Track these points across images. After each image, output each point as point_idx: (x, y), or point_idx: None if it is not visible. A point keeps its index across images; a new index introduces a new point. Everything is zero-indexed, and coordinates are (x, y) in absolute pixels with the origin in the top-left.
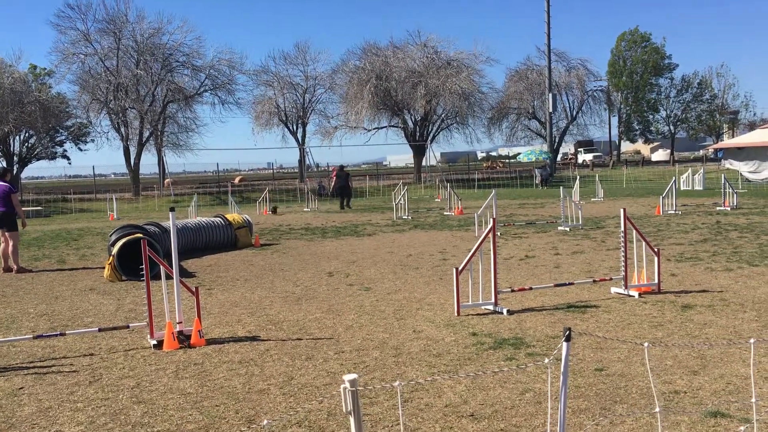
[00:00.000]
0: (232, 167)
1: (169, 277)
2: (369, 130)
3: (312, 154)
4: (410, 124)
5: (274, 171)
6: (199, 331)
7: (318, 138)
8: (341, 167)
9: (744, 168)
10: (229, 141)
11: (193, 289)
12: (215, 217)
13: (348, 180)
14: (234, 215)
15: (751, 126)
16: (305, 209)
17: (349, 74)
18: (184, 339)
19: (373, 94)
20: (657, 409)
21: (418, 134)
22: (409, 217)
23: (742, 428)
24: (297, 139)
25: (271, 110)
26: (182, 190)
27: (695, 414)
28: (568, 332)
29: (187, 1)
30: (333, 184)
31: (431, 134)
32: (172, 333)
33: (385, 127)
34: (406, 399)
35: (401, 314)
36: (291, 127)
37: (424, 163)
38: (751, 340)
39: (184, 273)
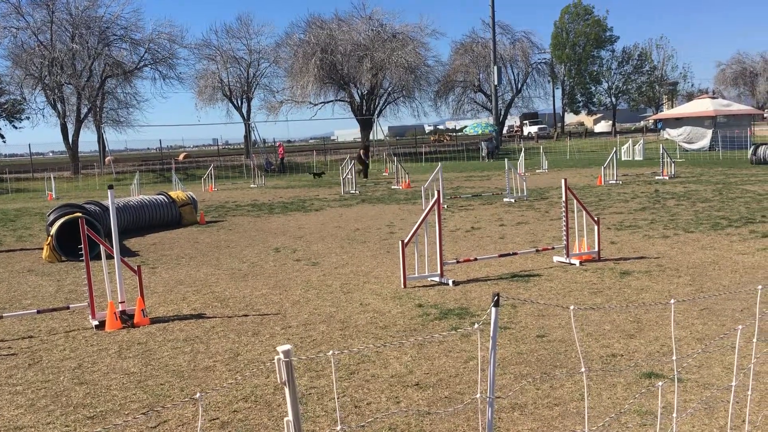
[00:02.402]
0: (176, 144)
1: (110, 256)
2: (315, 105)
3: (258, 129)
4: (357, 98)
5: (220, 147)
6: (142, 310)
7: (263, 113)
8: (365, 146)
9: (678, 137)
10: (172, 117)
11: (135, 268)
12: (158, 194)
13: (365, 154)
14: (178, 192)
15: (689, 97)
16: (252, 185)
17: (294, 48)
18: (127, 319)
19: (318, 67)
20: (583, 371)
21: (365, 108)
22: (357, 192)
23: (660, 383)
24: (242, 115)
25: (214, 85)
26: (124, 168)
27: (631, 375)
28: (496, 298)
29: None
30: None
31: (378, 108)
32: (115, 313)
33: (332, 101)
34: (353, 371)
35: (348, 288)
36: (236, 102)
37: (371, 137)
38: (672, 301)
39: (126, 252)
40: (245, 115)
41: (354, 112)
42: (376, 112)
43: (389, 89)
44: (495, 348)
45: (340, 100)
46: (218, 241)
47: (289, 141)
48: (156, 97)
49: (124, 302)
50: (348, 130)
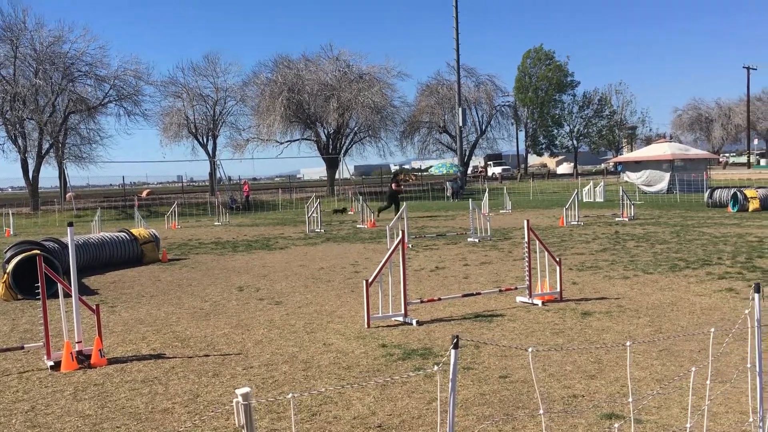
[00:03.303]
0: (140, 180)
1: (67, 295)
2: (281, 143)
3: (223, 166)
4: (323, 137)
5: (184, 184)
6: (99, 350)
7: (229, 151)
8: (395, 173)
9: (638, 180)
10: (136, 153)
11: (94, 307)
12: (120, 232)
13: (392, 186)
14: (140, 230)
15: (648, 140)
16: (216, 223)
17: (261, 86)
18: (83, 359)
19: (285, 106)
20: (542, 413)
21: (331, 147)
22: (322, 230)
23: (616, 425)
24: (207, 152)
25: (180, 122)
26: (85, 204)
27: (591, 416)
28: (456, 340)
29: (91, 9)
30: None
31: (344, 147)
32: (71, 353)
33: (298, 140)
34: (315, 412)
35: (312, 327)
36: (201, 140)
37: (337, 176)
38: (628, 343)
39: (85, 290)
40: (210, 153)
41: (320, 151)
42: (343, 152)
43: (355, 129)
44: (454, 391)
45: (306, 139)
46: (180, 279)
47: (254, 179)
48: (120, 134)
49: (81, 342)
50: (314, 169)
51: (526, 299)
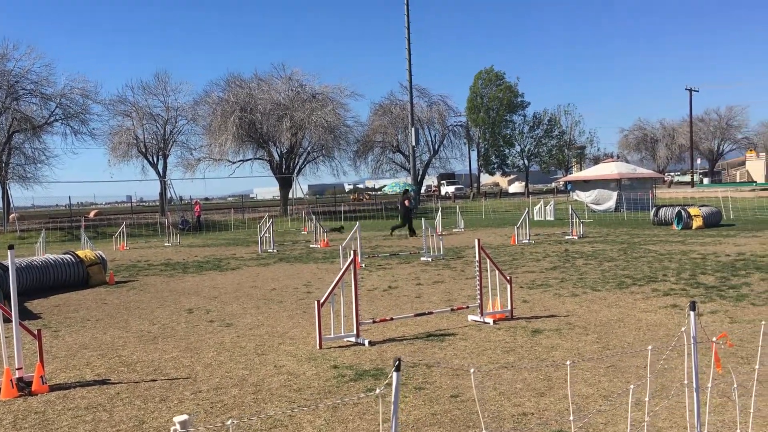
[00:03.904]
0: (87, 201)
1: (7, 319)
2: (234, 163)
3: (174, 186)
4: (276, 156)
5: (134, 204)
6: (41, 376)
7: (180, 170)
8: (405, 191)
9: (587, 199)
10: (83, 173)
11: (35, 332)
12: (65, 254)
13: (404, 202)
14: (86, 252)
15: (596, 160)
16: (166, 244)
17: (213, 106)
18: (24, 386)
19: (237, 126)
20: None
21: (284, 167)
22: (275, 251)
23: None
24: (158, 171)
25: (129, 141)
26: (30, 226)
27: None
28: (398, 363)
29: (37, 27)
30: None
31: (297, 167)
32: (11, 380)
33: (251, 159)
34: None
35: (263, 350)
36: (151, 159)
37: (290, 196)
38: (568, 362)
39: (27, 315)
40: (161, 172)
41: (273, 171)
42: (296, 171)
43: (309, 148)
44: (396, 413)
45: (259, 159)
46: (127, 302)
47: (206, 199)
48: (66, 153)
49: (21, 368)
50: (267, 188)
51: (477, 318)
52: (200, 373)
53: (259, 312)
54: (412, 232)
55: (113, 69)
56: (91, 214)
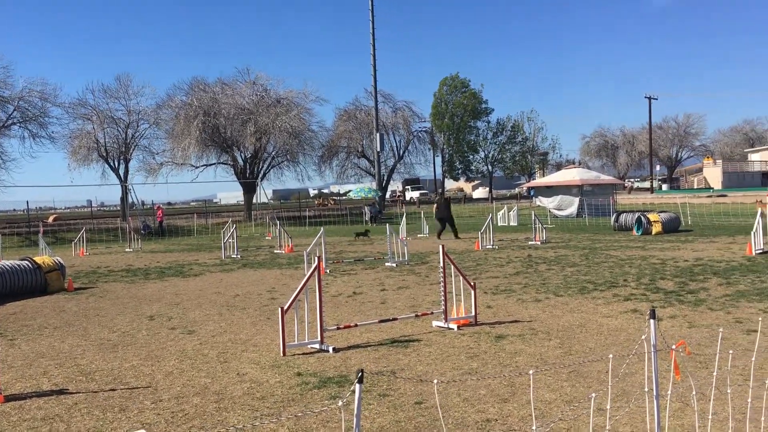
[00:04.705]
0: (46, 205)
1: None
2: (197, 167)
3: (135, 191)
4: (240, 161)
5: (94, 209)
6: None
7: (142, 175)
8: (441, 193)
9: (549, 204)
10: (42, 177)
11: None
12: (22, 260)
13: (448, 207)
14: (44, 258)
15: (558, 166)
16: (127, 249)
17: (176, 110)
18: None
19: (201, 130)
20: None
21: (248, 171)
22: (239, 256)
23: None
24: (119, 176)
25: (89, 145)
26: None
27: None
28: (360, 374)
29: None
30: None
31: (262, 171)
32: None
33: (215, 164)
34: None
35: (225, 357)
36: (112, 163)
37: (254, 201)
38: (531, 371)
39: None
40: (122, 177)
41: (237, 176)
42: (260, 176)
43: (273, 153)
44: (359, 425)
45: (222, 163)
46: (87, 309)
47: (169, 203)
48: (24, 157)
49: None
50: (231, 193)
51: (442, 324)
52: (161, 382)
53: (222, 319)
54: (441, 232)
55: (73, 72)
56: (50, 219)
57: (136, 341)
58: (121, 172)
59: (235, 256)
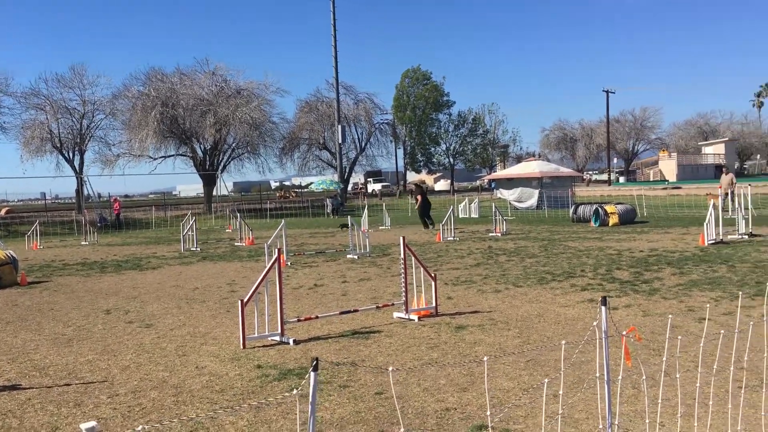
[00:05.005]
0: None
1: None
2: (155, 159)
3: (91, 183)
4: (200, 152)
5: (48, 202)
6: None
7: (98, 166)
8: (419, 186)
9: (510, 197)
10: None
11: None
12: None
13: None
14: None
15: (519, 159)
16: (83, 243)
17: (133, 100)
18: None
19: (159, 121)
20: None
21: (208, 163)
22: (198, 249)
23: None
24: (74, 168)
25: (43, 136)
26: None
27: (463, 429)
28: (315, 362)
29: None
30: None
31: (222, 163)
32: None
33: (173, 155)
34: None
35: (184, 350)
36: (67, 155)
37: (215, 193)
38: (485, 358)
39: None
40: (77, 169)
41: (197, 167)
42: (220, 168)
43: (233, 145)
44: (314, 414)
45: (181, 155)
46: (40, 303)
47: (126, 196)
48: None
49: None
50: (191, 185)
51: (402, 315)
52: (117, 376)
53: (181, 312)
54: (427, 224)
55: (25, 61)
56: (2, 212)
57: (92, 335)
58: (76, 163)
59: (194, 249)
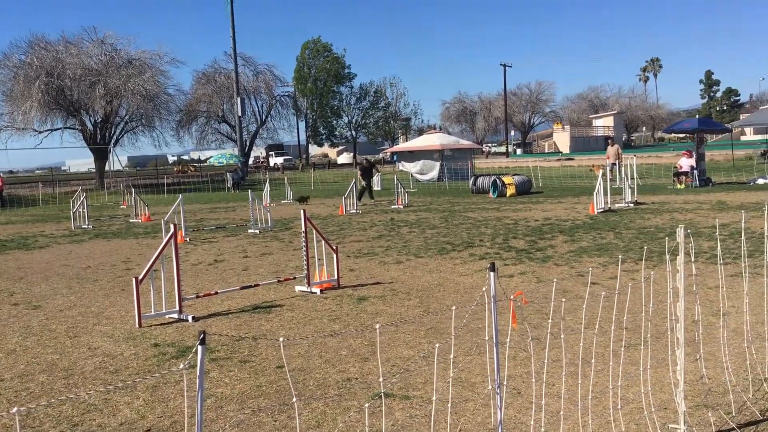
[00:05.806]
0: None
1: None
2: (41, 132)
3: None
4: (90, 126)
5: None
6: None
7: None
8: (367, 159)
9: (412, 169)
10: None
11: None
12: None
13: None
14: None
15: (420, 131)
16: None
17: (14, 70)
18: None
19: (43, 92)
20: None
21: (99, 137)
22: (90, 227)
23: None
24: None
25: None
26: None
27: (364, 397)
28: (202, 336)
29: None
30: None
31: (114, 137)
32: None
33: (60, 128)
34: (76, 422)
35: (75, 332)
36: None
37: (107, 168)
38: (377, 325)
39: None
40: None
41: (87, 141)
42: (112, 142)
43: (126, 117)
44: (202, 388)
45: (70, 128)
46: None
47: (10, 172)
48: None
49: None
50: (82, 160)
51: (304, 288)
52: (2, 361)
53: (72, 292)
54: (370, 196)
55: None
56: None
57: None
58: None
59: (86, 227)
